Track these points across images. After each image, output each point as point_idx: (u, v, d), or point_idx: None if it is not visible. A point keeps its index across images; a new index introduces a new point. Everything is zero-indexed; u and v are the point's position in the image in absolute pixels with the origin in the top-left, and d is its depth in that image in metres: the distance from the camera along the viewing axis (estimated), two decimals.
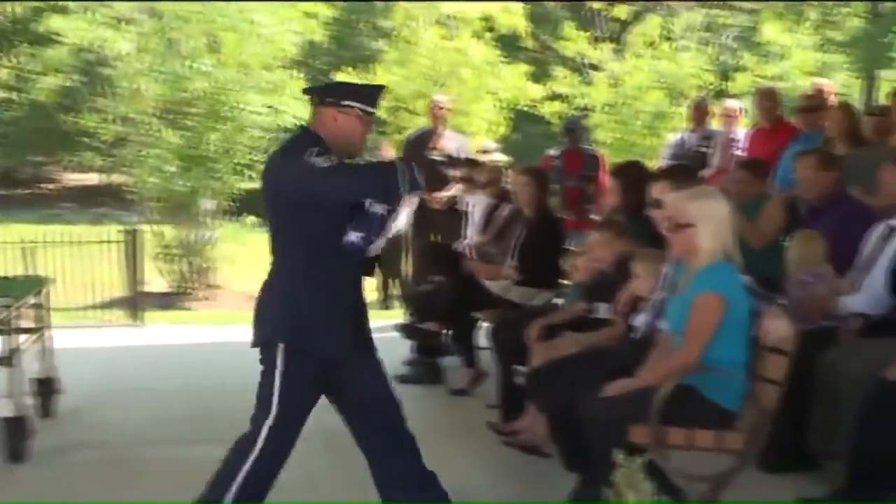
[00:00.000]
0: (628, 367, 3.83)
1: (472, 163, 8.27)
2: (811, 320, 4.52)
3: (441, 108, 9.18)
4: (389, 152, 10.44)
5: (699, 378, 3.57)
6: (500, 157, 9.38)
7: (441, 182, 8.99)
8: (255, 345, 3.53)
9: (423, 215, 8.86)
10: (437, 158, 9.01)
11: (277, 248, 3.49)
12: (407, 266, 10.65)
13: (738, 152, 7.93)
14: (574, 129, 8.63)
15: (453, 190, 8.83)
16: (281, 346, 3.40)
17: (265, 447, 3.43)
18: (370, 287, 10.86)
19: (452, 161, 8.97)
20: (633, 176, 5.23)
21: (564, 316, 5.20)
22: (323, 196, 3.34)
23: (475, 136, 13.86)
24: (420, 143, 9.12)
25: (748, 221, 5.51)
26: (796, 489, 4.19)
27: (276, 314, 3.43)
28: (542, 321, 5.04)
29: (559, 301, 5.76)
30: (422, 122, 9.74)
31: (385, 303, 10.57)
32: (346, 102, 3.47)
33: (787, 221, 5.62)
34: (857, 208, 5.24)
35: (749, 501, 3.94)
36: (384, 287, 10.67)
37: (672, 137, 8.61)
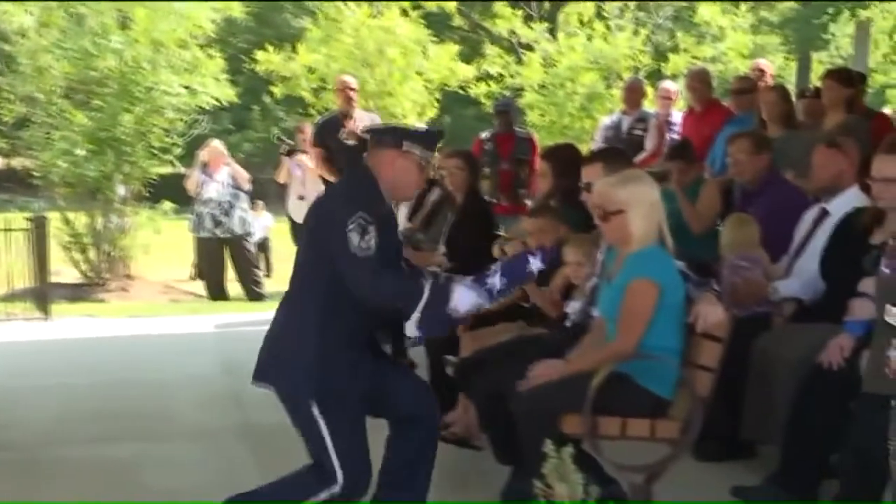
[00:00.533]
0: (561, 355, 3.87)
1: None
2: (745, 306, 4.63)
3: (350, 89, 9.15)
4: (309, 134, 10.36)
5: (633, 366, 3.62)
6: None
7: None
8: (260, 382, 3.56)
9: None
10: (350, 142, 8.99)
11: (300, 282, 3.52)
12: None
13: (675, 135, 8.07)
14: (506, 110, 8.68)
15: None
16: (313, 403, 3.40)
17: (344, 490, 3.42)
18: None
19: (366, 144, 8.95)
20: (566, 159, 5.28)
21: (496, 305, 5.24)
22: (343, 276, 3.38)
23: (403, 118, 13.86)
24: (331, 127, 9.09)
25: (692, 207, 5.62)
26: (731, 478, 4.28)
27: (297, 366, 3.43)
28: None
29: None
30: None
31: None
32: (408, 148, 3.51)
33: (723, 206, 5.75)
34: (790, 192, 5.37)
35: (684, 497, 4.02)
36: None
37: (606, 120, 8.71)
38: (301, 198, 10.13)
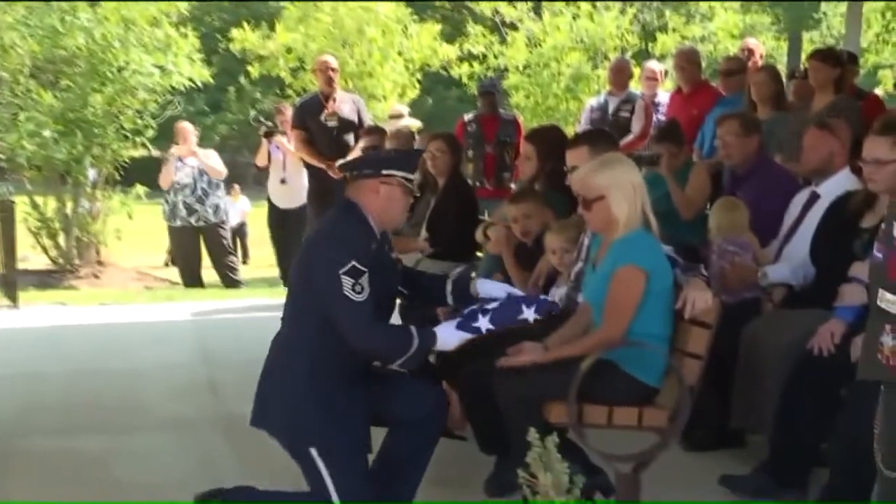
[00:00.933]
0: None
1: (378, 129, 8.26)
2: (734, 291, 4.65)
3: (331, 69, 9.13)
4: (289, 115, 10.32)
5: (620, 353, 3.63)
6: (413, 122, 9.39)
7: (340, 150, 8.97)
8: (258, 426, 3.57)
9: (323, 188, 8.84)
10: (333, 125, 8.97)
11: (293, 324, 3.54)
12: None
13: (661, 117, 8.08)
14: (490, 91, 8.67)
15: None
16: (313, 449, 3.44)
17: None
18: (269, 263, 10.82)
19: (351, 127, 8.95)
20: (551, 141, 5.28)
21: None
22: (334, 319, 3.40)
23: (384, 99, 13.82)
24: (312, 110, 9.06)
25: (682, 192, 5.64)
26: (720, 467, 4.31)
27: (295, 412, 3.45)
28: None
29: (473, 275, 5.80)
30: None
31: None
32: (388, 172, 3.54)
33: (712, 189, 5.76)
34: (780, 174, 5.40)
35: (671, 487, 4.05)
36: (281, 262, 10.64)
37: (592, 101, 8.72)
38: (283, 181, 10.09)
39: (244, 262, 19.81)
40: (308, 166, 9.35)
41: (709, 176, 5.81)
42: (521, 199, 4.99)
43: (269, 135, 10.09)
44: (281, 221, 10.32)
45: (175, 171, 10.81)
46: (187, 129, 10.95)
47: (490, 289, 3.72)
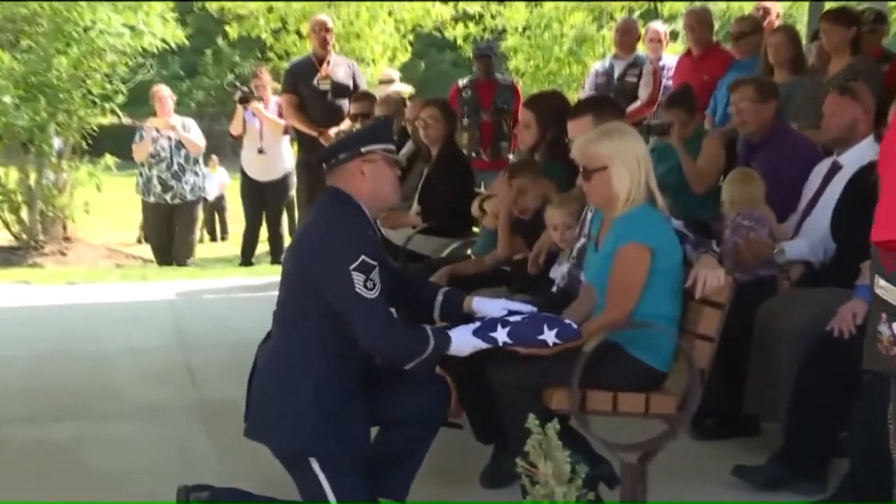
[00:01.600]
0: None
1: (368, 96, 8.25)
2: (748, 269, 4.67)
3: (326, 30, 9.10)
4: (266, 79, 10.27)
5: (625, 335, 3.65)
6: (404, 88, 9.37)
7: (333, 116, 8.96)
8: (253, 438, 3.57)
9: (311, 155, 8.82)
10: (326, 88, 8.95)
11: (291, 328, 3.51)
12: (295, 214, 10.63)
13: (667, 83, 8.07)
14: (487, 55, 8.66)
15: (346, 126, 8.79)
16: (314, 461, 3.44)
17: None
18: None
19: (346, 92, 8.93)
20: (552, 109, 5.27)
21: (475, 268, 5.26)
22: (347, 320, 3.39)
23: (373, 63, 13.78)
24: (304, 73, 9.04)
25: (693, 163, 5.64)
26: (732, 457, 4.34)
27: (296, 423, 3.44)
28: (447, 271, 5.10)
29: (470, 252, 5.81)
30: (310, 47, 9.64)
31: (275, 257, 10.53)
32: (367, 149, 3.53)
33: (726, 160, 5.76)
34: (798, 143, 5.39)
35: (680, 478, 4.07)
36: (253, 239, 10.65)
37: (597, 65, 8.70)
38: (261, 151, 10.07)
39: (223, 239, 19.85)
40: (299, 134, 9.34)
41: (722, 145, 5.81)
42: (517, 173, 4.99)
43: (244, 101, 10.01)
44: (259, 195, 10.29)
45: (151, 143, 10.66)
46: (164, 94, 10.74)
47: (487, 307, 3.65)
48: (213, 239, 20.35)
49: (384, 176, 3.59)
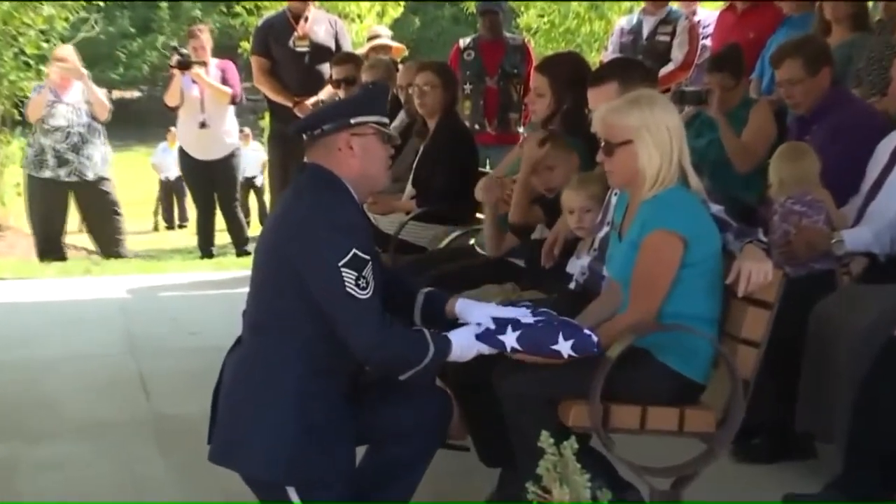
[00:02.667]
0: None
1: (352, 58, 8.24)
2: (801, 262, 4.67)
3: None
4: (205, 40, 10.19)
5: (655, 340, 3.66)
6: (395, 46, 9.36)
7: (311, 83, 8.95)
8: (222, 464, 3.56)
9: (286, 131, 8.82)
10: (303, 50, 8.95)
11: (268, 330, 3.52)
12: (266, 197, 10.62)
13: (704, 42, 8.07)
14: (493, 10, 8.66)
15: (327, 94, 8.79)
16: (292, 490, 3.46)
17: None
18: (220, 227, 10.83)
19: (326, 55, 8.93)
20: (569, 74, 5.26)
21: (480, 262, 5.27)
22: (336, 324, 3.40)
23: (359, 20, 13.77)
24: (278, 32, 9.03)
25: (738, 139, 5.64)
26: (783, 483, 4.35)
27: (272, 448, 3.44)
28: (449, 268, 5.10)
29: (473, 242, 5.82)
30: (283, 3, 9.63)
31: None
32: (357, 120, 3.54)
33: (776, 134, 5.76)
34: (860, 114, 5.39)
35: (722, 502, 4.08)
36: (206, 228, 10.68)
37: (622, 22, 8.70)
38: (203, 125, 10.05)
39: (181, 226, 19.88)
40: (271, 105, 9.34)
41: (772, 116, 5.81)
42: (553, 141, 4.92)
43: (183, 66, 9.93)
44: (206, 177, 10.29)
45: (48, 110, 10.30)
46: (72, 56, 10.41)
47: (475, 313, 3.62)
48: (171, 227, 20.42)
49: (375, 153, 3.59)
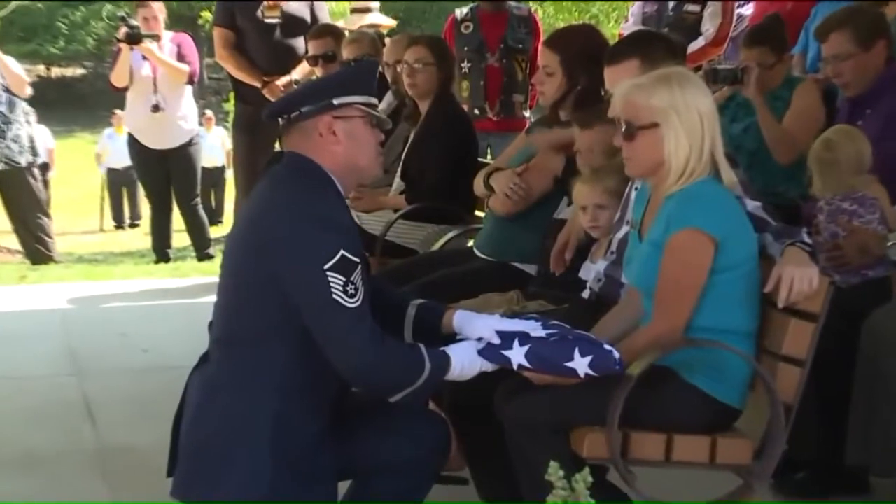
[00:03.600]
0: None
1: (331, 31, 8.25)
2: (851, 268, 4.69)
3: None
4: (157, 9, 10.16)
5: (682, 357, 3.68)
6: (383, 21, 9.37)
7: (283, 60, 8.95)
8: (178, 496, 3.57)
9: (257, 119, 8.81)
10: (274, 22, 8.95)
11: (240, 344, 3.53)
12: (238, 191, 10.65)
13: (741, 12, 8.07)
14: None
15: (301, 73, 8.80)
16: None
17: None
18: (178, 226, 10.83)
19: (301, 27, 8.93)
20: (583, 50, 5.27)
21: (480, 267, 5.29)
22: (320, 337, 3.41)
23: None
24: (245, 2, 9.02)
25: (778, 124, 5.64)
26: None
27: (250, 482, 3.45)
28: (443, 274, 5.11)
29: (471, 244, 5.83)
30: None
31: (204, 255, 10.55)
32: (340, 101, 3.55)
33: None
34: None
35: None
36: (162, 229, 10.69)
37: None
38: (156, 108, 10.03)
39: (133, 225, 19.85)
40: (236, 85, 9.33)
41: (820, 98, 5.82)
42: (593, 122, 4.88)
43: (132, 39, 9.90)
44: (160, 169, 10.29)
45: None
46: None
47: (476, 326, 3.61)
48: (120, 226, 20.39)
49: (362, 139, 3.60)
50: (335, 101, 3.56)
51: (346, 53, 7.52)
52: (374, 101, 3.66)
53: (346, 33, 8.18)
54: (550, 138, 5.24)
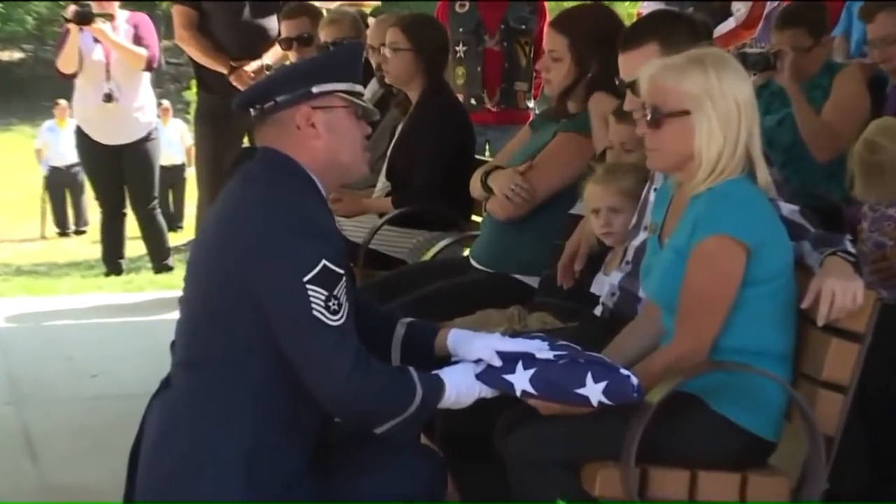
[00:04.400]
0: None
1: (306, 10, 8.25)
2: None
3: None
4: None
5: (708, 382, 3.68)
6: None
7: (253, 42, 8.95)
8: None
9: (222, 110, 8.82)
10: None
11: (208, 366, 3.53)
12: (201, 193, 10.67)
13: None
14: None
15: (273, 58, 8.80)
16: None
17: None
18: (132, 233, 10.82)
19: (272, 6, 8.93)
20: (595, 32, 5.28)
21: (477, 279, 5.32)
22: (297, 359, 3.41)
23: None
24: None
25: (816, 116, 5.64)
26: None
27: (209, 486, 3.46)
28: (436, 288, 5.12)
29: (467, 253, 5.84)
30: None
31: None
32: (320, 89, 3.55)
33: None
34: None
35: None
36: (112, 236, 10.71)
37: None
38: (109, 98, 10.03)
39: (78, 232, 19.81)
40: (199, 71, 9.32)
41: (865, 85, 5.83)
42: (627, 116, 4.89)
43: (82, 19, 9.88)
44: (112, 167, 10.30)
45: None
46: None
47: (474, 347, 3.60)
48: (64, 233, 20.34)
49: (345, 133, 3.61)
50: (314, 90, 3.57)
51: (323, 35, 7.49)
52: (358, 88, 3.66)
53: (324, 12, 8.18)
54: None
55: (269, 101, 3.58)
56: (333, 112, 3.59)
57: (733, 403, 3.70)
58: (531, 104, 8.36)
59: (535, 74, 8.23)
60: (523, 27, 8.40)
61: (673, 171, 3.87)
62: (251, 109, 3.63)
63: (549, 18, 7.94)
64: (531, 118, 6.56)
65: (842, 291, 3.65)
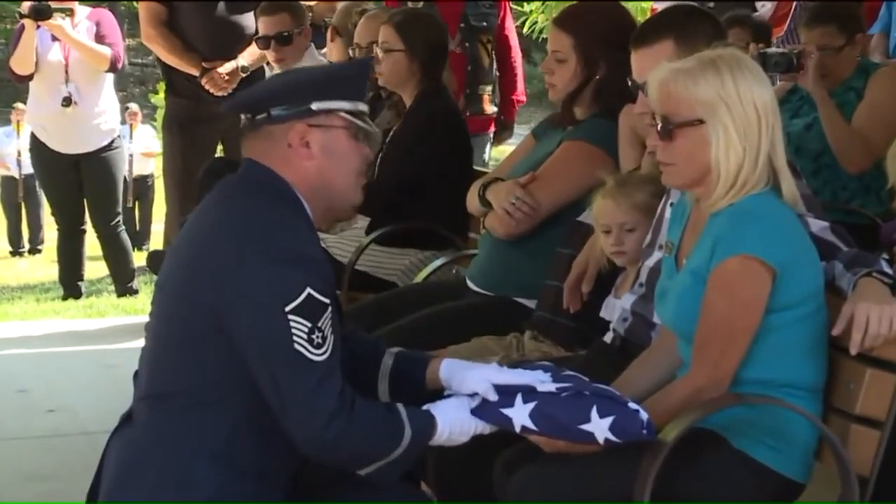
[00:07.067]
0: None
1: (287, 6, 8.25)
2: None
3: None
4: None
5: (730, 418, 3.69)
6: None
7: (227, 42, 8.96)
8: None
9: (193, 116, 8.85)
10: None
11: (169, 398, 3.53)
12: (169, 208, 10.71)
13: None
14: None
15: (250, 58, 8.81)
16: None
17: None
18: (93, 253, 10.82)
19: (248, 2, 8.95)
20: (602, 30, 5.28)
21: (473, 304, 5.32)
22: (271, 395, 3.39)
23: None
24: None
25: (845, 123, 5.65)
26: None
27: None
28: (428, 313, 5.13)
29: (462, 274, 5.84)
30: None
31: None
32: (322, 105, 3.55)
33: None
34: None
35: None
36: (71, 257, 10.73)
37: None
38: (68, 102, 10.02)
39: (33, 251, 19.79)
40: (167, 73, 9.32)
41: None
42: None
43: (38, 14, 9.86)
44: (70, 179, 10.30)
45: None
46: None
47: (469, 379, 3.59)
48: (17, 252, 20.30)
49: (342, 156, 3.60)
50: (314, 106, 3.56)
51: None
52: (362, 107, 3.65)
53: (307, 9, 8.18)
54: None
55: (263, 112, 3.58)
56: (331, 132, 3.58)
57: (758, 441, 3.71)
58: (494, 108, 8.44)
59: (506, 76, 8.33)
60: (484, 24, 8.44)
61: (690, 188, 3.87)
62: (245, 116, 3.63)
63: (509, 8, 7.99)
64: (532, 130, 6.53)
65: (877, 317, 3.66)
